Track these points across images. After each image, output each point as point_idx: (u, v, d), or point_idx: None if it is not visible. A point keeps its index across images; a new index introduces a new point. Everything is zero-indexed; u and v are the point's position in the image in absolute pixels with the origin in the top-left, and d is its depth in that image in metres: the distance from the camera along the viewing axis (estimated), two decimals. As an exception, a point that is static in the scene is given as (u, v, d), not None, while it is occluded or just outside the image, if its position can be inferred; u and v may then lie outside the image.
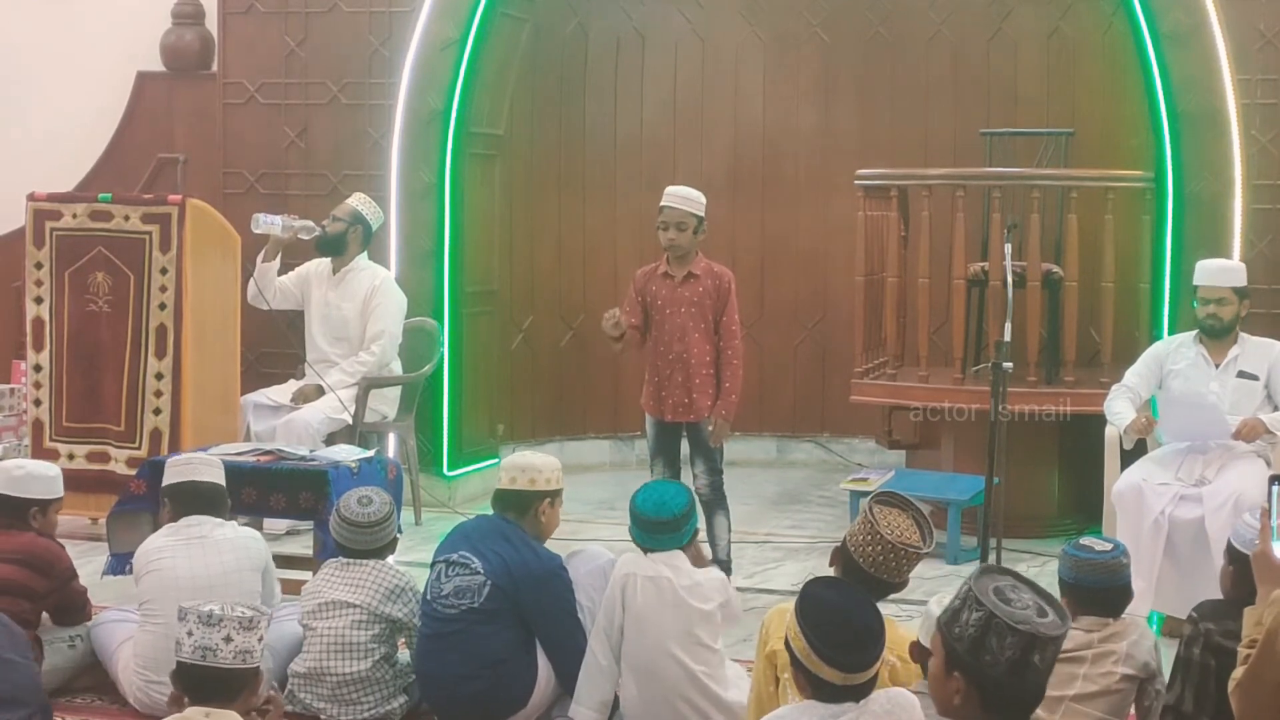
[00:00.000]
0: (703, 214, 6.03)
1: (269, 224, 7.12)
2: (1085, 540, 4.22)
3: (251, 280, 7.29)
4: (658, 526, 4.54)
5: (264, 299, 7.33)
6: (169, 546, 4.82)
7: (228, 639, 3.47)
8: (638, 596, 4.49)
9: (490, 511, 4.89)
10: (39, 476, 5.06)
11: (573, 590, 4.74)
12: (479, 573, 4.63)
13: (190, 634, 3.48)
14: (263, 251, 7.32)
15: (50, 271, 6.95)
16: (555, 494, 4.83)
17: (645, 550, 4.56)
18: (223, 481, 5.03)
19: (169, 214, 6.80)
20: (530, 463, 4.81)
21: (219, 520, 4.93)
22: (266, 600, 4.99)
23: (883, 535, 3.95)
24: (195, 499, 4.92)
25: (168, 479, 5.00)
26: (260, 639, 3.53)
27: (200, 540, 4.82)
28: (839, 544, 4.08)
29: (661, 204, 6.04)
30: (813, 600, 3.29)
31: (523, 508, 4.79)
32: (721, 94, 9.04)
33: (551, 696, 4.72)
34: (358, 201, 7.46)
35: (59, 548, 5.04)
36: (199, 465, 5.02)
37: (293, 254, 7.48)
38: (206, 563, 4.77)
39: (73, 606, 5.05)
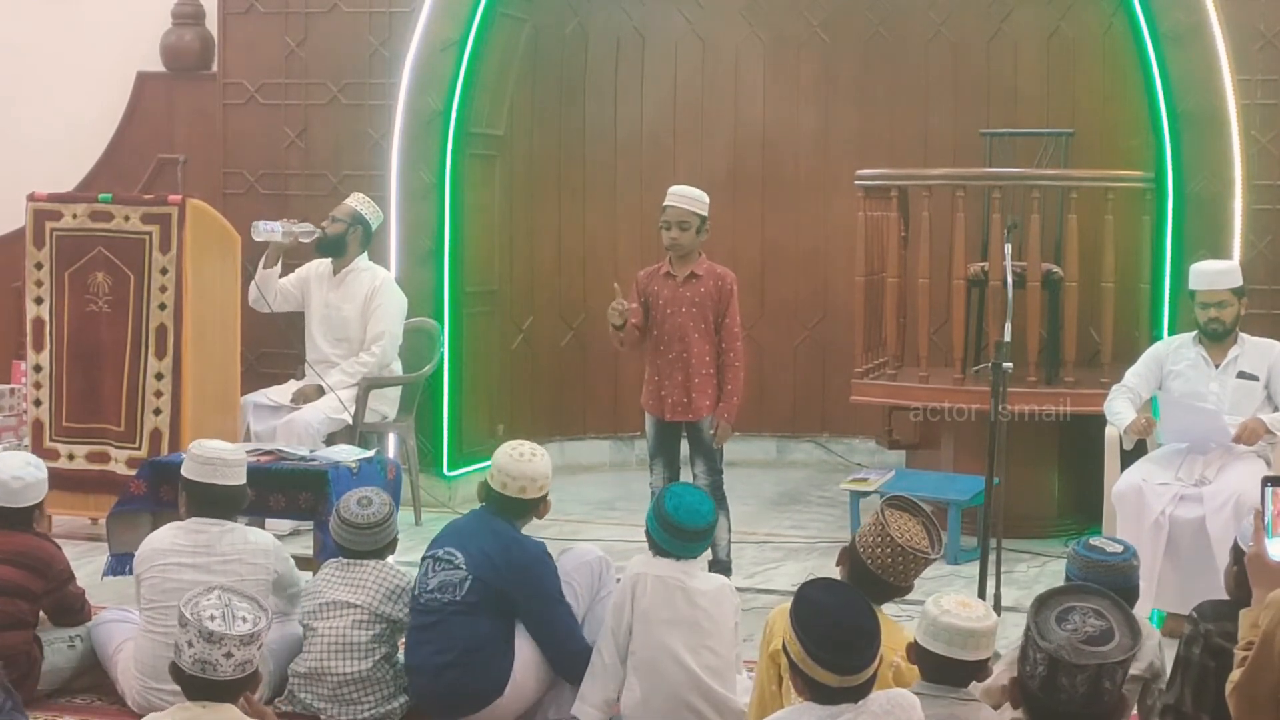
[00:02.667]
0: (706, 214, 6.03)
1: (269, 231, 7.09)
2: (1095, 541, 4.21)
3: (253, 285, 7.29)
4: (694, 535, 4.56)
5: (265, 302, 7.33)
6: (174, 552, 4.78)
7: (228, 655, 3.44)
8: (646, 595, 4.50)
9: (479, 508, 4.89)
10: (34, 483, 4.98)
11: (558, 576, 4.74)
12: (460, 568, 4.66)
13: (190, 644, 3.45)
14: (263, 258, 7.28)
15: (50, 272, 6.95)
16: (546, 495, 4.84)
17: (676, 558, 4.56)
18: (243, 480, 4.94)
19: (169, 214, 6.79)
20: (524, 471, 4.74)
21: (229, 525, 4.86)
22: (285, 612, 4.96)
23: (893, 538, 3.95)
24: (209, 501, 4.86)
25: (191, 472, 4.88)
26: (260, 646, 3.51)
27: (206, 550, 4.78)
28: (848, 544, 4.09)
29: (664, 203, 6.05)
30: (806, 603, 3.29)
31: (520, 512, 4.81)
32: (721, 94, 9.04)
33: (534, 692, 4.71)
34: (357, 202, 7.46)
35: (55, 548, 5.02)
36: (221, 467, 4.88)
37: (293, 255, 7.47)
38: (211, 576, 4.66)
39: (70, 608, 5.03)
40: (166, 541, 4.83)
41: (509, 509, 4.78)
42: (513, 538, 4.74)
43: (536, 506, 4.81)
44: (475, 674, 4.62)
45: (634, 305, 6.08)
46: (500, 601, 4.65)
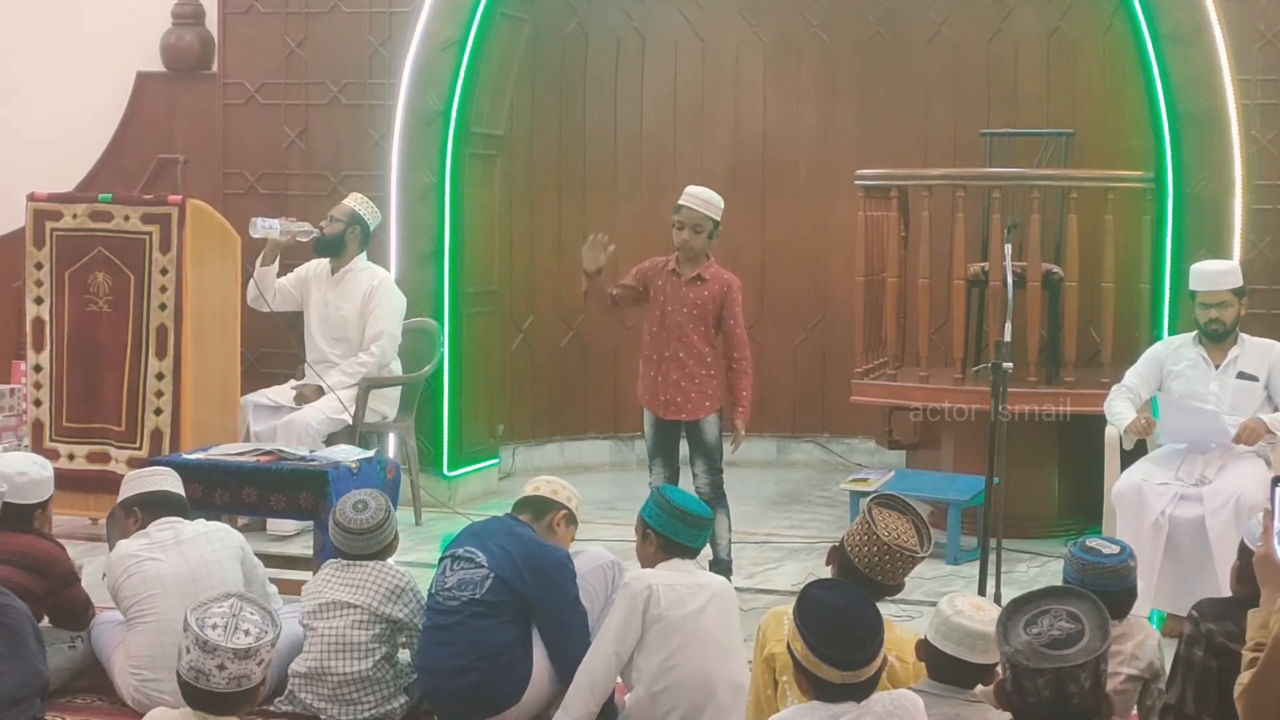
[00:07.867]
0: (719, 218, 6.03)
1: (267, 228, 7.08)
2: (1092, 542, 4.20)
3: (251, 283, 7.28)
4: (705, 523, 4.64)
5: (264, 301, 7.32)
6: (144, 549, 4.84)
7: (221, 667, 3.39)
8: (659, 604, 4.42)
9: (500, 514, 4.95)
10: (39, 480, 5.04)
11: (577, 582, 4.75)
12: (482, 565, 4.66)
13: (188, 650, 3.42)
14: (261, 255, 7.28)
15: (50, 272, 6.95)
16: (571, 514, 4.90)
17: (687, 551, 4.57)
18: (183, 492, 5.11)
19: (169, 214, 6.80)
20: (556, 479, 5.00)
21: (186, 520, 4.98)
22: (250, 586, 4.99)
23: (880, 537, 3.95)
24: (164, 505, 4.98)
25: (132, 490, 5.02)
26: (261, 662, 3.45)
27: (175, 539, 4.87)
28: (836, 544, 4.09)
29: (679, 203, 6.03)
30: (810, 601, 3.31)
31: (539, 512, 4.87)
32: (721, 94, 9.04)
33: (547, 697, 4.71)
34: (355, 202, 7.45)
35: (58, 549, 5.03)
36: (164, 476, 5.09)
37: (291, 254, 7.47)
38: (185, 557, 4.82)
39: (70, 612, 5.03)
40: (131, 547, 4.88)
41: (536, 507, 4.86)
42: (535, 541, 4.76)
43: (559, 511, 4.87)
44: (494, 680, 4.61)
45: (627, 281, 6.10)
46: (520, 605, 4.65)
